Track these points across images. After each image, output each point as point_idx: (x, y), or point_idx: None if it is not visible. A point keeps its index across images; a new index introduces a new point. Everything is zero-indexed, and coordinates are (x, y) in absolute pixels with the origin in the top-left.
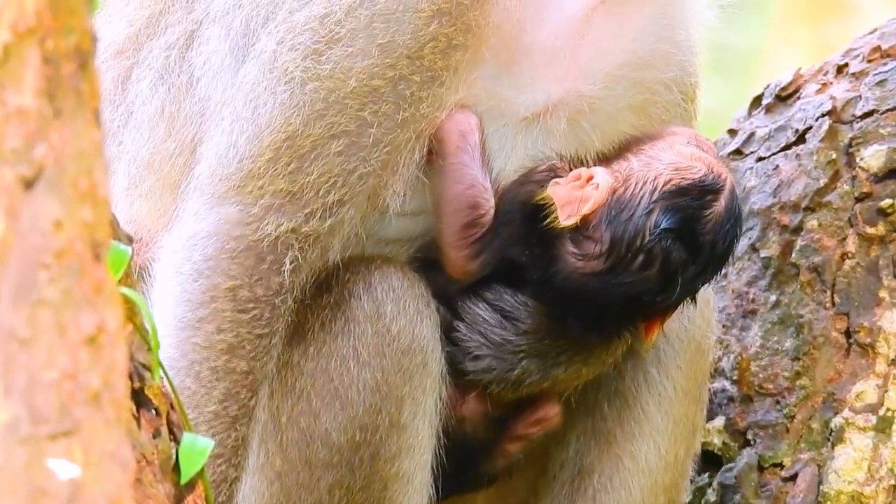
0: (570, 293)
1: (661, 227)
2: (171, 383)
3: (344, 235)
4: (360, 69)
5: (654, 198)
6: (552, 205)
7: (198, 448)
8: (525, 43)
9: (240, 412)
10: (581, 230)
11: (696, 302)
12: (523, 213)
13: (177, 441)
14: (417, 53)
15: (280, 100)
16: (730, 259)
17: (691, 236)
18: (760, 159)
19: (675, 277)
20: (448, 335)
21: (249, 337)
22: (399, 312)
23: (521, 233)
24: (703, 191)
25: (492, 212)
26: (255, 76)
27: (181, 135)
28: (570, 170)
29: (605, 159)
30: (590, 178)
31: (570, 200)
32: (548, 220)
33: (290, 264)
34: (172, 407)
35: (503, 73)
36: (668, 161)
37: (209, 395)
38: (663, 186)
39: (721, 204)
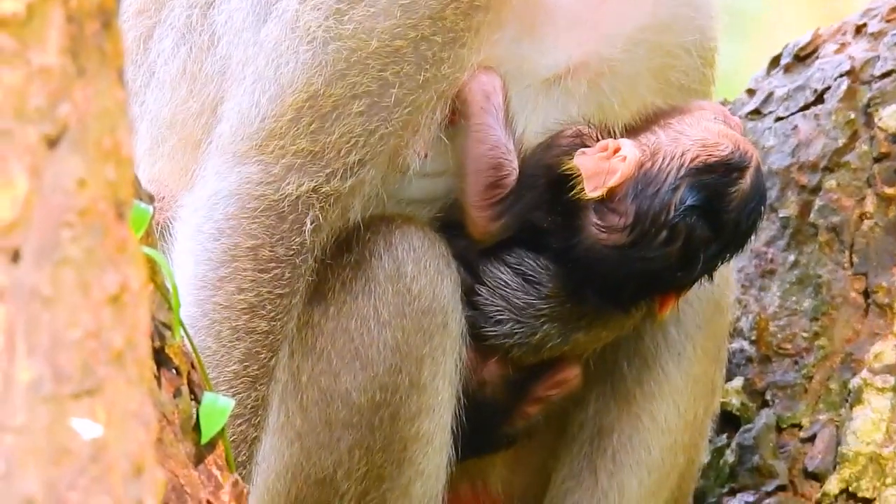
0: (590, 264)
1: (687, 203)
2: (191, 343)
3: (364, 195)
4: (382, 29)
5: (681, 174)
6: (578, 175)
7: (218, 408)
8: (547, 4)
9: (260, 372)
10: (606, 202)
11: (713, 279)
12: (548, 178)
13: (197, 401)
14: (440, 14)
15: (302, 59)
16: (752, 238)
17: (716, 214)
18: (779, 119)
19: (697, 254)
20: (469, 299)
21: (270, 297)
22: (420, 272)
23: (545, 198)
24: (730, 168)
25: (515, 173)
26: (277, 35)
27: (203, 94)
28: (597, 136)
29: (632, 131)
30: (617, 150)
31: (596, 172)
32: (573, 191)
33: (311, 224)
34: (193, 366)
35: (525, 35)
36: (695, 137)
37: (229, 355)
38: (690, 163)
39: (746, 182)
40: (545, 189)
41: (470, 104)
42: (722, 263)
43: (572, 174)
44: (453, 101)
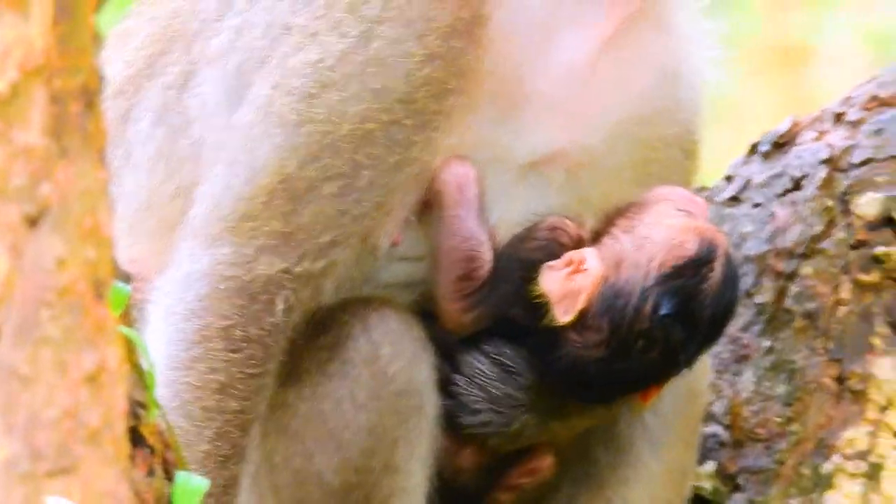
0: (574, 374)
1: (661, 312)
2: (166, 421)
3: (337, 277)
4: (354, 113)
5: (650, 283)
6: (548, 302)
7: (192, 487)
8: (524, 90)
9: (231, 451)
10: (580, 320)
11: (692, 368)
12: (523, 272)
13: (171, 480)
14: (410, 97)
15: (275, 142)
16: (728, 323)
17: (691, 315)
18: (756, 206)
19: (677, 354)
20: (447, 388)
21: (241, 377)
22: (396, 354)
23: (521, 292)
24: (699, 265)
25: (487, 266)
26: (250, 119)
27: (178, 177)
28: (570, 232)
29: (595, 233)
30: (581, 263)
31: (564, 295)
32: (546, 319)
33: (283, 304)
34: (167, 446)
35: (501, 120)
36: (659, 240)
37: (200, 435)
38: (658, 270)
39: (717, 273)
40: (520, 283)
41: (443, 195)
42: (702, 354)
43: (542, 300)
44: (427, 191)
